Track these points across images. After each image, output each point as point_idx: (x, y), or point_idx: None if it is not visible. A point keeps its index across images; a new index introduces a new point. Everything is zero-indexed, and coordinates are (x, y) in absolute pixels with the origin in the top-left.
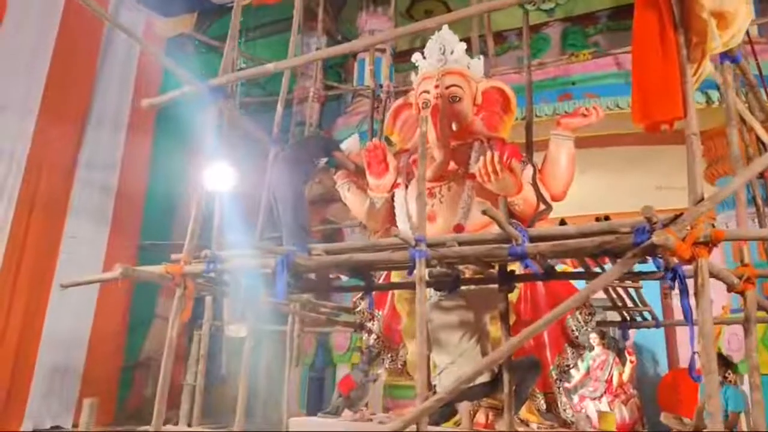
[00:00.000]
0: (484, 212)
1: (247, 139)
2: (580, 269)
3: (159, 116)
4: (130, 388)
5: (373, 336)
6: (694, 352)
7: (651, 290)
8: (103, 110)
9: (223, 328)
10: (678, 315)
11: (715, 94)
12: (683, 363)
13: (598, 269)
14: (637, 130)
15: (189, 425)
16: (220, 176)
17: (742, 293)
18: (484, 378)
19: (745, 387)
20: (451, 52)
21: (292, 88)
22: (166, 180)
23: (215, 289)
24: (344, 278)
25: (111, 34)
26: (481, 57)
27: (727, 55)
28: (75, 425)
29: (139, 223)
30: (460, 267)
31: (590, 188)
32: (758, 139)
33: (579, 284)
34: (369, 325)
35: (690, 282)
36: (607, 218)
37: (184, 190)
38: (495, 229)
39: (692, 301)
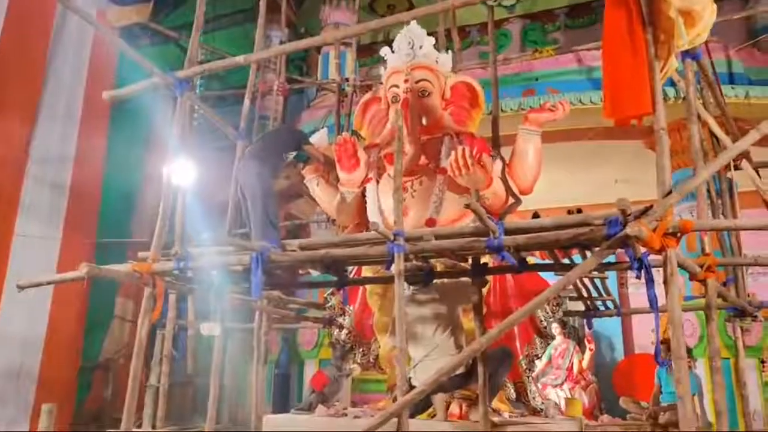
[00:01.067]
0: (467, 206)
1: (210, 133)
2: (550, 261)
3: (114, 108)
4: (88, 391)
5: (345, 331)
6: (658, 340)
7: (608, 280)
8: (54, 102)
9: (186, 327)
10: (634, 303)
11: (671, 91)
12: (638, 349)
13: (566, 261)
14: (596, 125)
15: (153, 427)
16: (182, 171)
17: (703, 281)
18: (459, 369)
19: (698, 371)
20: (420, 47)
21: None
22: (122, 175)
23: (182, 287)
24: (314, 273)
25: (62, 23)
26: (449, 52)
27: (689, 53)
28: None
29: (95, 220)
30: (432, 261)
31: (552, 181)
32: (712, 133)
33: (544, 275)
34: (340, 320)
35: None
36: (579, 211)
37: (142, 185)
38: (466, 223)
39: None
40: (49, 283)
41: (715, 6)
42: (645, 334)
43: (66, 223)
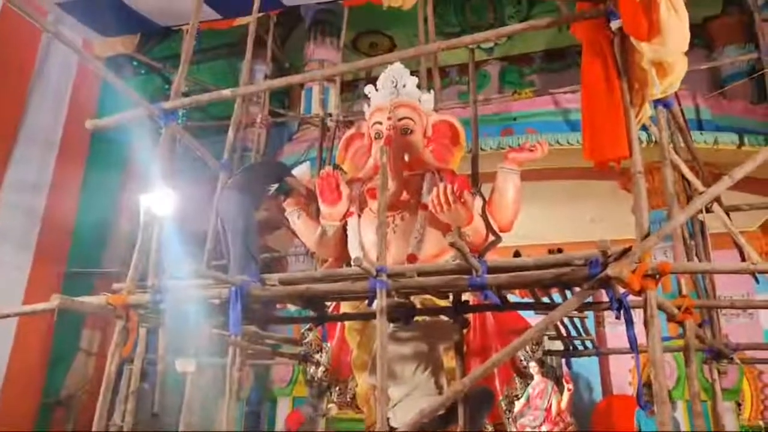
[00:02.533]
0: (451, 244)
1: (191, 162)
2: (529, 299)
3: (94, 137)
4: (48, 429)
5: (321, 368)
6: (640, 382)
7: (587, 319)
8: (34, 129)
9: (156, 363)
10: (611, 343)
11: (643, 135)
12: (616, 390)
13: (546, 300)
14: (572, 165)
15: None
16: (161, 201)
17: (681, 323)
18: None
19: (677, 413)
20: (404, 86)
21: (233, 112)
22: (98, 205)
23: (155, 320)
24: (291, 308)
25: (46, 52)
26: (431, 91)
27: (661, 101)
28: None
29: (67, 250)
30: (412, 297)
31: (529, 219)
32: (683, 177)
33: (524, 314)
34: (317, 357)
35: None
36: (560, 250)
37: (117, 215)
38: (446, 260)
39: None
40: (17, 314)
41: (686, 59)
42: (622, 374)
43: (36, 251)
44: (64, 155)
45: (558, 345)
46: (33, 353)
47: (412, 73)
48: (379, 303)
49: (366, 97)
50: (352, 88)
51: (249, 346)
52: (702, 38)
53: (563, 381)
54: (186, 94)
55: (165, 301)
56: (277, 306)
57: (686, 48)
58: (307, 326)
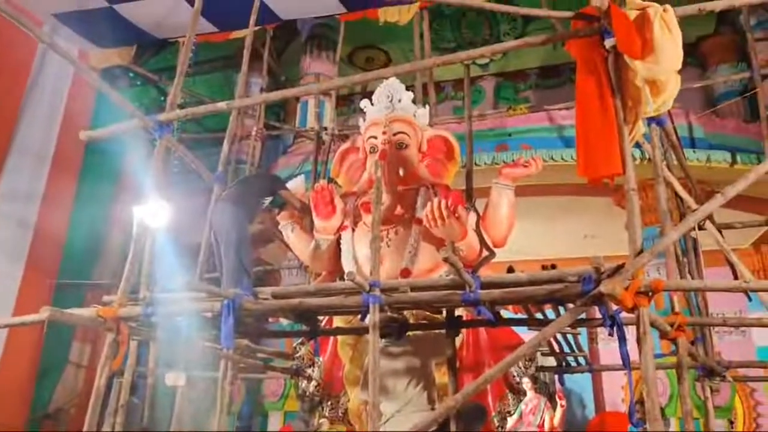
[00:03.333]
0: (445, 259)
1: (184, 174)
2: (523, 315)
3: (88, 149)
4: None
5: (313, 383)
6: (632, 399)
7: (580, 335)
8: (27, 139)
9: (146, 375)
10: (604, 360)
11: (636, 152)
12: (609, 406)
13: (539, 315)
14: (566, 181)
15: None
16: (154, 213)
17: (673, 340)
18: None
19: (669, 429)
20: (399, 101)
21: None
22: (90, 216)
23: (146, 333)
24: (284, 322)
25: (42, 63)
26: (427, 106)
27: (654, 119)
28: None
29: (58, 261)
30: (405, 312)
31: (523, 235)
32: (676, 194)
33: (516, 329)
34: (309, 371)
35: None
36: (553, 266)
37: (110, 226)
38: (440, 274)
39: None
40: (6, 326)
41: (678, 77)
42: (615, 390)
43: (28, 261)
44: (57, 166)
45: (551, 361)
46: (22, 365)
47: (407, 88)
48: (372, 318)
49: (361, 111)
50: (348, 102)
51: (241, 360)
52: (695, 57)
53: (556, 397)
54: (182, 106)
55: (156, 313)
56: (270, 320)
57: (679, 67)
58: (300, 340)
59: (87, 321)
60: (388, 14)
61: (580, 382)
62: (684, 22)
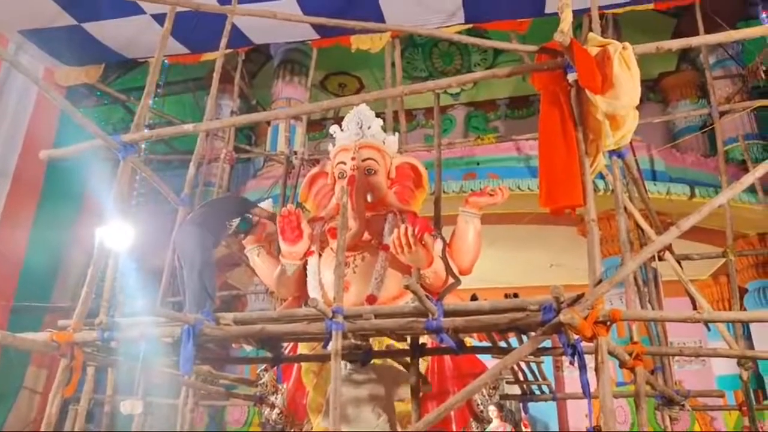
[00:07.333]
0: (406, 287)
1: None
2: (487, 343)
3: (50, 169)
4: None
5: (276, 410)
6: (592, 427)
7: (544, 364)
8: None
9: (103, 403)
10: (569, 387)
11: (600, 183)
12: None
13: (503, 344)
14: (532, 210)
15: None
16: (116, 235)
17: (632, 369)
18: None
19: None
20: (369, 127)
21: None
22: (51, 238)
23: (103, 359)
24: (247, 348)
25: (5, 80)
26: (396, 134)
27: (615, 151)
28: None
29: (15, 284)
30: (370, 340)
31: (489, 262)
32: (637, 225)
33: (481, 357)
34: (272, 398)
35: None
36: (516, 295)
37: (71, 249)
38: (406, 301)
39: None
40: None
41: (637, 113)
42: (580, 418)
43: None
44: (17, 186)
45: (517, 389)
46: None
47: (379, 115)
48: (334, 345)
49: (332, 137)
50: (319, 126)
51: (203, 387)
52: (657, 93)
53: (521, 425)
54: (151, 127)
55: (114, 339)
56: (234, 346)
57: (637, 102)
58: (263, 367)
59: (40, 346)
60: (360, 42)
61: (545, 411)
62: (646, 59)
